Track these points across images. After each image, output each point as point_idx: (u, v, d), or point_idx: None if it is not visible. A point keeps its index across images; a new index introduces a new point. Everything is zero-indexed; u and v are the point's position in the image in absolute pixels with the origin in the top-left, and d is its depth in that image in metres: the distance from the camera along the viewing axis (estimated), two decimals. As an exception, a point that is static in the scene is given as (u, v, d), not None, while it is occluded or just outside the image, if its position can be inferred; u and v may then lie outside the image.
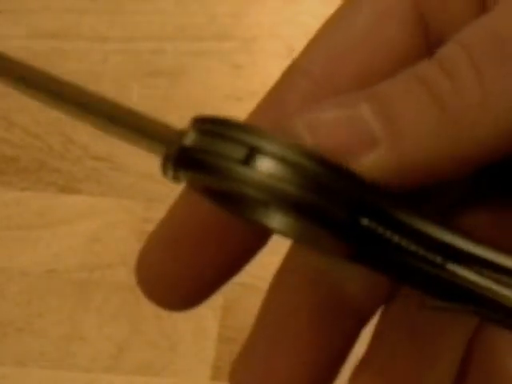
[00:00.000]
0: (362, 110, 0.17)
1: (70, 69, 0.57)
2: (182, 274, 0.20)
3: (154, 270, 0.20)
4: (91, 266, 0.53)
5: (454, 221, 0.20)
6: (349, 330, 0.20)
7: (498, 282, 0.18)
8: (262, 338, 0.20)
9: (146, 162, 0.53)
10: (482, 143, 0.17)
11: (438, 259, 0.18)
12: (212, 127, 0.17)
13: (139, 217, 0.54)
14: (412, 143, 0.17)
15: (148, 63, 0.58)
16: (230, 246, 0.20)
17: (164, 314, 0.52)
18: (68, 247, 0.54)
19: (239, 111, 0.60)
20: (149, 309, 0.52)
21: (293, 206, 0.17)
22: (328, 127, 0.17)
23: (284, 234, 0.19)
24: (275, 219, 0.18)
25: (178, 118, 0.60)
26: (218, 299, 0.52)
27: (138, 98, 0.57)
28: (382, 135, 0.17)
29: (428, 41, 0.20)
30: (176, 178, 0.18)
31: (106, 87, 0.57)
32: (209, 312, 0.52)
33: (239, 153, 0.17)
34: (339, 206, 0.17)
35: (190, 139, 0.18)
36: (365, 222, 0.17)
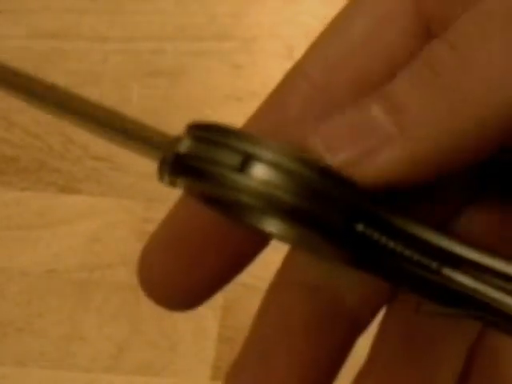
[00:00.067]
0: (372, 111, 0.17)
1: (70, 69, 0.57)
2: (182, 275, 0.20)
3: (154, 270, 0.20)
4: (91, 266, 0.53)
5: (451, 222, 0.20)
6: (344, 339, 0.20)
7: (494, 286, 0.18)
8: (257, 347, 0.20)
9: (146, 162, 0.53)
10: (490, 124, 0.17)
11: (434, 264, 0.18)
12: (207, 134, 0.17)
13: (139, 217, 0.54)
14: (423, 133, 0.17)
15: (148, 63, 0.58)
16: (231, 247, 0.20)
17: (164, 314, 0.52)
18: (68, 247, 0.54)
19: (239, 111, 0.60)
20: (149, 309, 0.52)
21: (288, 213, 0.17)
22: (343, 136, 0.17)
23: (281, 239, 0.19)
24: (272, 225, 0.18)
25: (178, 117, 0.61)
26: (218, 299, 0.52)
27: (137, 98, 0.57)
28: (395, 130, 0.17)
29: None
30: (172, 184, 0.18)
31: (106, 87, 0.57)
32: (209, 312, 0.52)
33: (234, 160, 0.17)
34: (334, 213, 0.17)
35: (185, 146, 0.18)
36: (360, 227, 0.17)
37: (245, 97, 0.56)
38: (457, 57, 0.17)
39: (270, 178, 0.17)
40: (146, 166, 0.59)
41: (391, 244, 0.18)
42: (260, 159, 0.17)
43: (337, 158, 0.17)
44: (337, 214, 0.17)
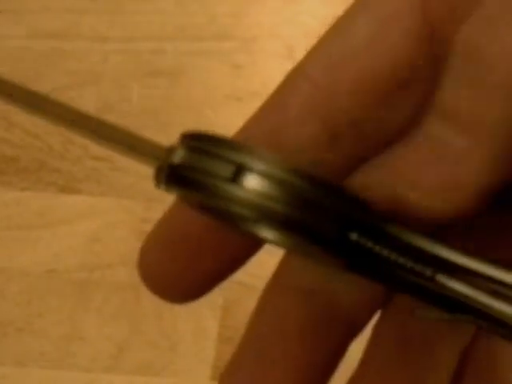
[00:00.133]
0: (433, 130, 0.17)
1: (70, 69, 0.58)
2: (179, 274, 0.20)
3: (153, 267, 0.20)
4: (91, 266, 0.53)
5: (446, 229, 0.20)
6: (339, 342, 0.20)
7: (488, 293, 0.18)
8: (252, 348, 0.20)
9: (146, 162, 0.53)
10: None
11: (428, 271, 0.18)
12: (200, 144, 0.17)
13: (139, 217, 0.54)
14: (491, 132, 0.17)
15: (148, 63, 0.58)
16: (227, 247, 0.20)
17: (164, 313, 0.52)
18: (68, 247, 0.54)
19: (239, 111, 0.60)
20: (149, 309, 0.52)
21: (281, 223, 0.17)
22: (419, 170, 0.17)
23: (276, 245, 0.19)
24: (266, 233, 0.18)
25: (178, 118, 0.61)
26: (217, 299, 0.52)
27: (137, 98, 0.57)
28: (464, 141, 0.17)
29: (433, 49, 0.19)
30: (168, 192, 0.18)
31: (106, 87, 0.57)
32: (209, 312, 0.52)
33: (227, 170, 0.17)
34: (328, 222, 0.17)
35: (178, 156, 0.18)
36: (354, 236, 0.18)
37: (245, 97, 0.56)
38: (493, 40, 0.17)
39: (262, 188, 0.17)
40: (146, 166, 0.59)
41: (385, 252, 0.18)
42: (252, 169, 0.17)
43: (421, 191, 0.17)
44: (330, 223, 0.17)
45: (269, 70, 0.56)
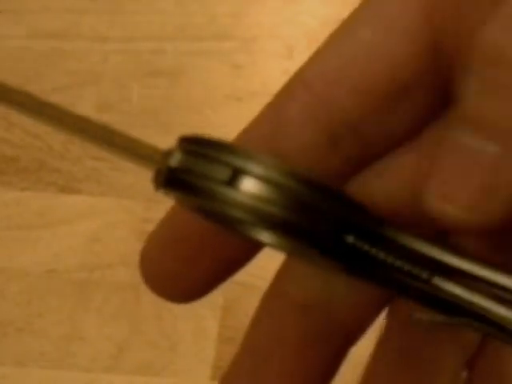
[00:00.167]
0: (462, 139, 0.17)
1: (70, 69, 0.58)
2: (179, 274, 0.20)
3: (155, 267, 0.20)
4: (91, 266, 0.53)
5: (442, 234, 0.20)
6: (337, 350, 0.20)
7: (484, 295, 0.18)
8: (248, 359, 0.20)
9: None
10: None
11: (424, 274, 0.18)
12: (197, 147, 0.18)
13: (139, 217, 0.54)
14: None
15: (148, 63, 0.58)
16: (230, 246, 0.20)
17: (164, 314, 0.52)
18: (68, 247, 0.54)
19: (239, 111, 0.60)
20: (149, 309, 0.52)
21: (278, 227, 0.17)
22: (453, 183, 0.17)
23: (274, 248, 0.19)
24: (264, 236, 0.18)
25: (178, 118, 0.61)
26: (218, 299, 0.52)
27: (137, 98, 0.57)
28: (496, 148, 0.17)
29: (436, 55, 0.19)
30: (167, 195, 0.18)
31: (106, 87, 0.57)
32: (209, 312, 0.52)
33: (223, 174, 0.17)
34: (324, 226, 0.17)
35: (176, 160, 0.18)
36: (350, 239, 0.18)
37: (245, 97, 0.56)
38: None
39: (259, 191, 0.17)
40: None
41: (381, 255, 0.18)
42: (249, 173, 0.17)
43: (458, 207, 0.17)
44: (326, 226, 0.17)
45: (269, 70, 0.56)
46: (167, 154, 0.18)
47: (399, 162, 0.20)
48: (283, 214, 0.17)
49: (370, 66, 0.19)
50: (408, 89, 0.19)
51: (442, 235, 0.19)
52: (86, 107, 0.56)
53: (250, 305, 0.51)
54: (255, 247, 0.20)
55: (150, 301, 0.52)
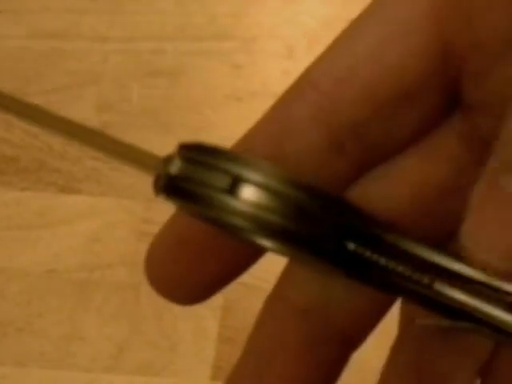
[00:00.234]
0: (506, 187, 0.17)
1: (70, 69, 0.58)
2: (185, 273, 0.20)
3: (159, 269, 0.20)
4: (91, 266, 0.53)
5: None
6: (339, 355, 0.20)
7: (485, 300, 0.18)
8: (251, 363, 0.20)
9: (146, 162, 0.53)
10: None
11: (426, 279, 0.18)
12: (197, 155, 0.17)
13: (139, 217, 0.54)
14: None
15: (148, 63, 0.58)
16: (233, 249, 0.20)
17: (164, 314, 0.52)
18: (68, 247, 0.54)
19: (239, 111, 0.60)
20: (149, 309, 0.52)
21: (278, 234, 0.17)
22: (493, 230, 0.17)
23: (276, 253, 0.19)
24: (265, 243, 0.18)
25: (178, 118, 0.61)
26: (218, 299, 0.52)
27: (137, 98, 0.57)
28: None
29: (445, 59, 0.19)
30: (167, 201, 0.18)
31: (106, 87, 0.57)
32: (209, 312, 0.52)
33: (223, 182, 0.17)
34: (324, 233, 0.17)
35: (175, 167, 0.18)
36: (351, 246, 0.18)
37: (245, 97, 0.56)
38: None
39: (259, 199, 0.17)
40: (146, 166, 0.59)
41: (383, 261, 0.18)
42: (249, 181, 0.17)
43: (497, 257, 0.17)
44: (327, 233, 0.17)
45: (269, 70, 0.56)
46: (167, 160, 0.18)
47: (401, 167, 0.20)
48: (283, 221, 0.17)
49: (377, 67, 0.19)
50: (415, 91, 0.19)
51: (443, 240, 0.19)
52: (85, 107, 0.56)
53: (250, 305, 0.51)
54: (259, 251, 0.20)
55: (150, 301, 0.52)
